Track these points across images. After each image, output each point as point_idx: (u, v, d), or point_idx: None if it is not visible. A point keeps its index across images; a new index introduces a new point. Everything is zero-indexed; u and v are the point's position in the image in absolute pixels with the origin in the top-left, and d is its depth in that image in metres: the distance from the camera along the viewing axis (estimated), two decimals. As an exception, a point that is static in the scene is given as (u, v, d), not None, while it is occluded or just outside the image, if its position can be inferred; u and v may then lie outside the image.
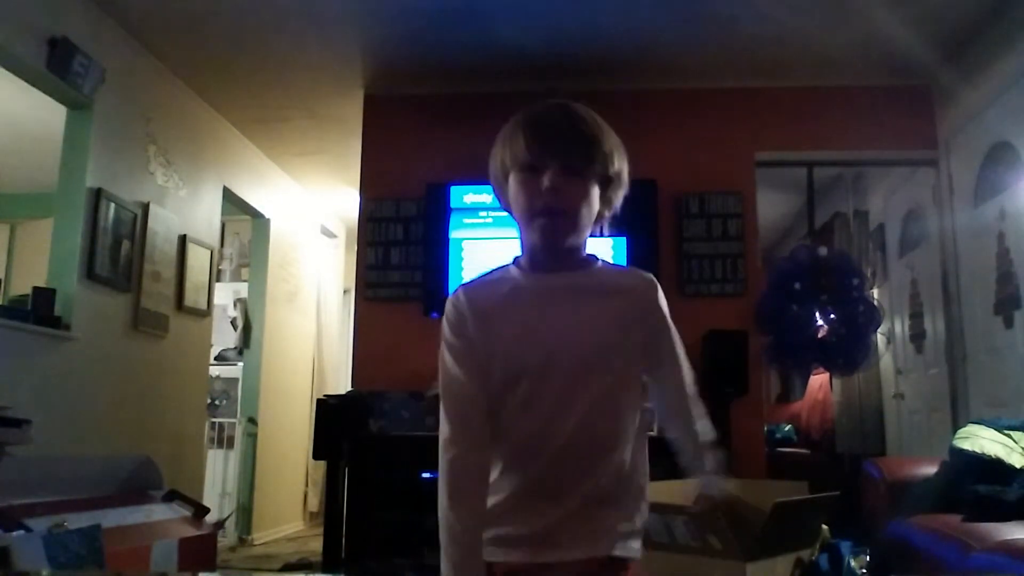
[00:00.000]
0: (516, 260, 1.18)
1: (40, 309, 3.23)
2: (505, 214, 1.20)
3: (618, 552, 1.11)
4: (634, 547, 1.14)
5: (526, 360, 1.10)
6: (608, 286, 1.16)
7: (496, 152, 1.17)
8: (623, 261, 3.91)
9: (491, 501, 1.12)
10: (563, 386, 1.09)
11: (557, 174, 1.08)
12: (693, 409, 1.25)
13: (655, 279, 1.18)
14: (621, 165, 1.16)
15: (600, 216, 1.15)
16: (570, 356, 1.10)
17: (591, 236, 1.18)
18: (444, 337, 1.15)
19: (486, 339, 1.12)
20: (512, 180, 1.13)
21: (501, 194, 1.18)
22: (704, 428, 1.25)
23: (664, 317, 1.18)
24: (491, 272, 1.20)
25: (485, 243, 3.94)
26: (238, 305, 5.55)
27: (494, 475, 1.13)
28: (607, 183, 1.14)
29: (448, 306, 1.16)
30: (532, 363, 1.10)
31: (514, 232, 1.19)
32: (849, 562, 2.31)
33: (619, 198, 1.18)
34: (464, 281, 1.21)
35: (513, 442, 1.12)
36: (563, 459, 1.09)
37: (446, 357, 1.15)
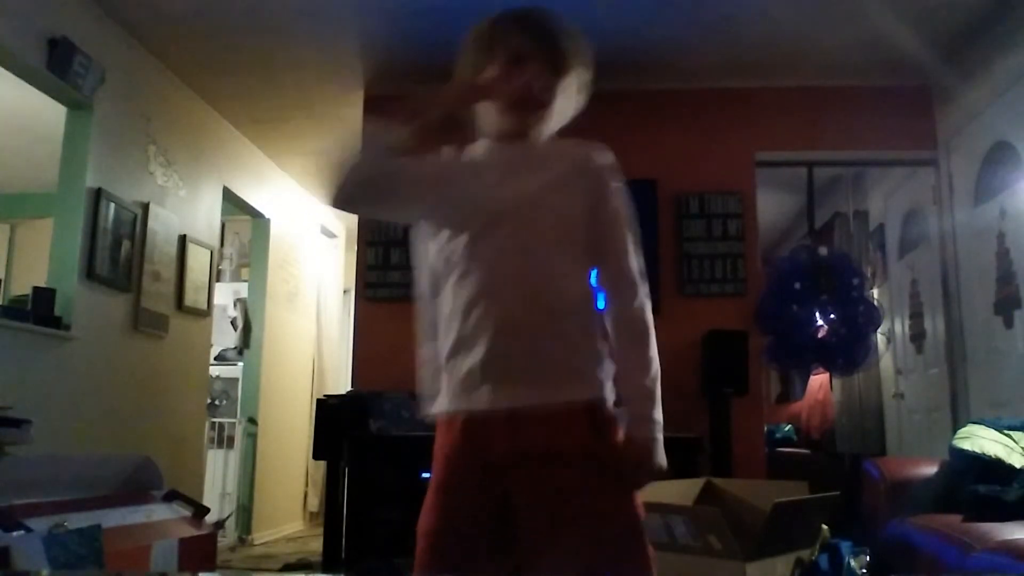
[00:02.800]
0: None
1: (40, 309, 3.23)
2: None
3: (592, 397, 1.13)
4: (607, 391, 1.15)
5: (473, 208, 1.17)
6: (557, 150, 1.22)
7: (472, 45, 1.25)
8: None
9: (443, 349, 1.19)
10: (503, 235, 1.15)
11: (542, 69, 1.17)
12: (643, 313, 1.21)
13: (610, 152, 1.23)
14: (588, 73, 1.24)
15: (566, 118, 1.23)
16: (509, 207, 1.16)
17: None
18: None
19: (446, 173, 1.21)
20: (492, 70, 1.20)
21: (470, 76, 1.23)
22: (654, 354, 1.20)
23: (608, 184, 1.21)
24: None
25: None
26: (238, 305, 5.55)
27: (444, 325, 1.20)
28: (577, 86, 1.22)
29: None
30: (478, 212, 1.16)
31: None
32: (849, 562, 2.31)
33: (582, 101, 1.25)
34: None
35: (462, 290, 1.16)
36: (506, 304, 1.13)
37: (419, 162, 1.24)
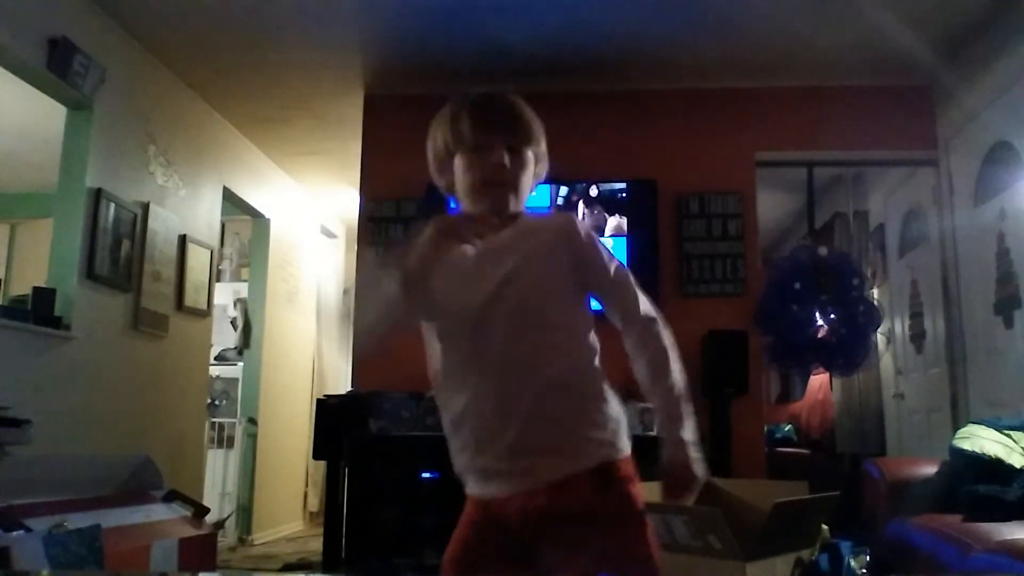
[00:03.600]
0: None
1: (40, 309, 3.23)
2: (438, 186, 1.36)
3: (600, 460, 1.18)
4: (618, 447, 1.21)
5: (458, 303, 1.23)
6: (528, 228, 1.28)
7: (437, 134, 1.31)
8: (623, 261, 3.91)
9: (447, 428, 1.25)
10: (493, 323, 1.20)
11: (502, 153, 1.24)
12: (659, 343, 1.27)
13: (573, 216, 1.32)
14: (544, 144, 1.32)
15: (530, 189, 1.31)
16: (491, 293, 1.22)
17: None
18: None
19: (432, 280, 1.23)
20: (459, 159, 1.27)
21: (441, 171, 1.33)
22: (676, 378, 1.25)
23: (588, 244, 1.27)
24: None
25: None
26: (238, 305, 5.55)
27: (452, 406, 1.24)
28: (536, 159, 1.31)
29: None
30: (463, 305, 1.23)
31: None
32: (849, 562, 2.31)
33: (543, 171, 1.34)
34: None
35: (465, 385, 1.22)
36: (502, 377, 1.19)
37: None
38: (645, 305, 1.28)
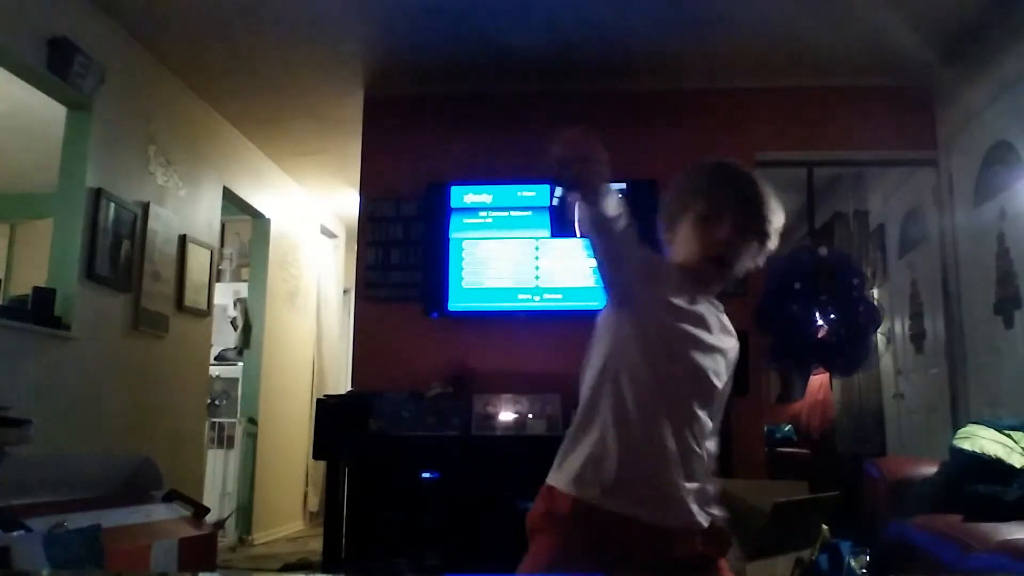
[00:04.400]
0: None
1: (40, 309, 3.23)
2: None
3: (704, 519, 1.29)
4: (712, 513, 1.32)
5: (679, 339, 1.28)
6: (727, 328, 1.37)
7: (678, 191, 1.36)
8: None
9: (612, 442, 1.27)
10: (685, 392, 1.28)
11: (732, 231, 1.28)
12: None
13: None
14: (776, 231, 1.34)
15: (748, 270, 1.36)
16: (697, 367, 1.28)
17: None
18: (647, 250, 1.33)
19: (660, 292, 1.29)
20: (688, 221, 1.32)
21: (668, 224, 1.37)
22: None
23: (736, 357, 1.40)
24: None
25: (485, 243, 3.94)
26: (238, 305, 5.55)
27: (620, 424, 1.27)
28: (761, 243, 1.33)
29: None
30: (680, 343, 1.28)
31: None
32: (849, 562, 2.31)
33: (766, 254, 1.36)
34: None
35: (654, 397, 1.27)
36: (683, 430, 1.26)
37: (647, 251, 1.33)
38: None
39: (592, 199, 1.18)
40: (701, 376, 1.29)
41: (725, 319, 1.38)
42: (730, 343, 1.37)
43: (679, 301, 1.30)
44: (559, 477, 1.30)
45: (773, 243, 1.35)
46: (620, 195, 1.25)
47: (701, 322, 1.31)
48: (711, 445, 1.34)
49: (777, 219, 1.33)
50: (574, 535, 1.26)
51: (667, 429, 1.26)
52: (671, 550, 1.27)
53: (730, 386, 1.39)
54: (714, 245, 1.29)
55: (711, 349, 1.31)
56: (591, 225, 1.21)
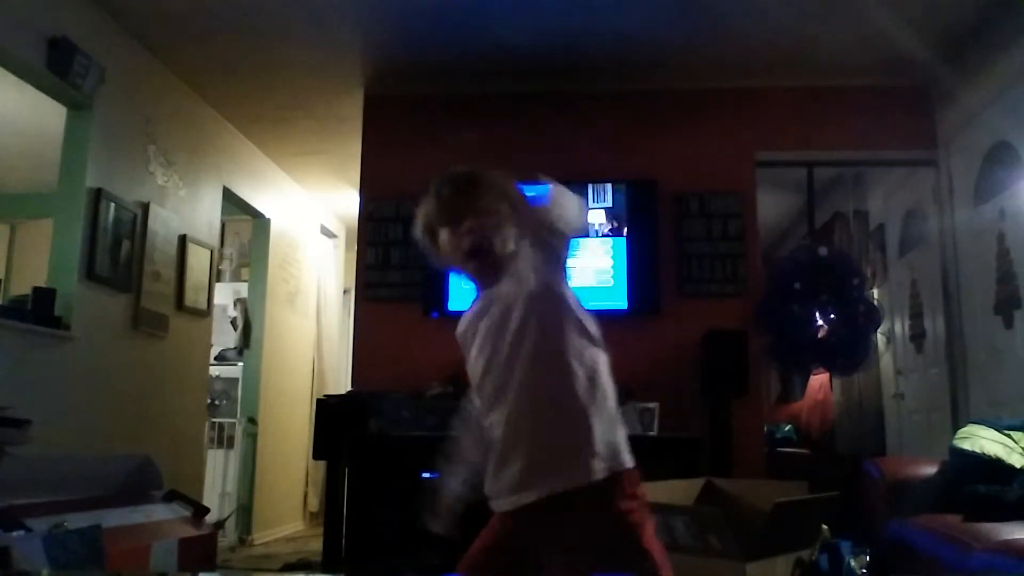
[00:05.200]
0: None
1: (40, 309, 3.23)
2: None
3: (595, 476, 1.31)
4: (605, 464, 1.33)
5: (477, 355, 1.44)
6: (504, 284, 1.43)
7: (420, 233, 1.51)
8: (623, 261, 3.91)
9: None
10: (491, 380, 1.41)
11: (448, 233, 1.42)
12: None
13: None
14: (498, 203, 1.42)
15: (502, 233, 1.42)
16: (488, 354, 1.41)
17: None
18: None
19: (463, 344, 1.51)
20: (437, 243, 1.47)
21: (442, 261, 1.50)
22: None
23: (533, 286, 1.39)
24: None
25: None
26: (238, 305, 5.55)
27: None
28: (484, 216, 1.41)
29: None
30: (479, 358, 1.43)
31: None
32: (849, 562, 2.31)
33: (508, 215, 1.42)
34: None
35: (495, 422, 1.40)
36: (514, 416, 1.36)
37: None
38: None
39: None
40: (494, 364, 1.40)
41: (516, 277, 1.41)
42: (513, 291, 1.40)
43: (471, 328, 1.47)
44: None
45: (495, 214, 1.43)
46: None
47: (484, 321, 1.44)
48: (560, 398, 1.37)
49: (473, 204, 1.42)
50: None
51: (501, 423, 1.38)
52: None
53: (546, 309, 1.39)
54: (448, 254, 1.44)
55: (496, 332, 1.40)
56: None
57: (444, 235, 1.43)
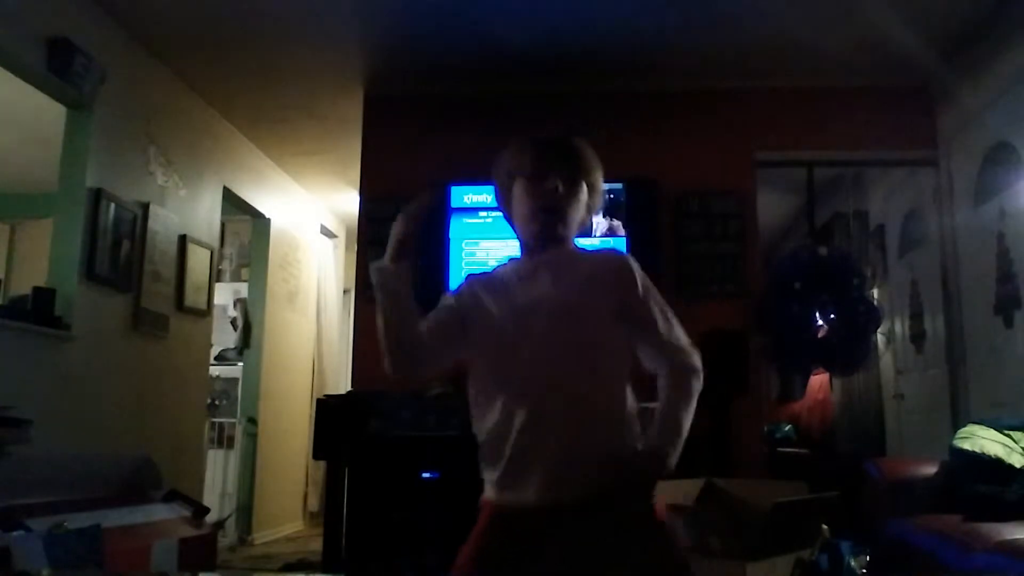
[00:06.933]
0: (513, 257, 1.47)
1: (40, 309, 3.23)
2: (502, 214, 1.47)
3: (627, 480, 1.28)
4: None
5: (507, 320, 1.35)
6: (578, 258, 1.42)
7: (502, 164, 1.45)
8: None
9: (485, 442, 1.35)
10: (537, 338, 1.32)
11: (556, 182, 1.37)
12: (682, 381, 1.43)
13: (628, 256, 1.44)
14: (599, 181, 1.46)
15: (583, 219, 1.43)
16: (542, 314, 1.33)
17: (581, 237, 1.46)
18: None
19: (475, 303, 1.39)
20: (518, 186, 1.41)
21: (504, 198, 1.46)
22: (680, 417, 1.39)
23: (635, 280, 1.39)
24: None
25: (485, 243, 3.94)
26: (238, 305, 5.56)
27: (486, 422, 1.34)
28: (590, 193, 1.44)
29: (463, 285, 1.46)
30: (511, 322, 1.34)
31: (512, 234, 1.46)
32: (849, 562, 2.31)
33: (597, 205, 1.47)
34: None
35: (504, 387, 1.33)
36: (545, 399, 1.29)
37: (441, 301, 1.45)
38: (688, 344, 1.44)
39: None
40: (543, 333, 1.32)
41: (595, 259, 1.44)
42: (588, 281, 1.37)
43: (506, 291, 1.38)
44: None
45: (597, 195, 1.46)
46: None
47: (540, 280, 1.37)
48: (604, 392, 1.34)
49: (595, 171, 1.44)
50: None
51: (522, 407, 1.29)
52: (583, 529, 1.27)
53: (639, 315, 1.38)
54: (544, 197, 1.37)
55: (554, 297, 1.35)
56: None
57: (541, 183, 1.37)
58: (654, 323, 1.39)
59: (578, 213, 1.41)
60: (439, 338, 1.39)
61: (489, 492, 1.35)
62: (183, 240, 4.25)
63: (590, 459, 1.28)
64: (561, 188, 1.37)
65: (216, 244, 4.74)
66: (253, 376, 5.28)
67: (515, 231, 1.44)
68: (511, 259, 1.47)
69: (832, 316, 3.95)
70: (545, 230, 1.38)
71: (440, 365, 1.43)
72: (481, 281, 1.43)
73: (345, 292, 6.87)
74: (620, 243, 3.95)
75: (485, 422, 1.35)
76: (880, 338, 4.75)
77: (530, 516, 1.28)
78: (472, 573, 1.29)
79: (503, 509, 1.32)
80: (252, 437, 5.18)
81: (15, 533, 2.04)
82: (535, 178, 1.38)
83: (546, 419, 1.28)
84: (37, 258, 4.33)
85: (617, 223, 4.00)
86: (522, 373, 1.31)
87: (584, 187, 1.41)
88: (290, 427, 5.76)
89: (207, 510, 3.07)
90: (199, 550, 2.78)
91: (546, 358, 1.31)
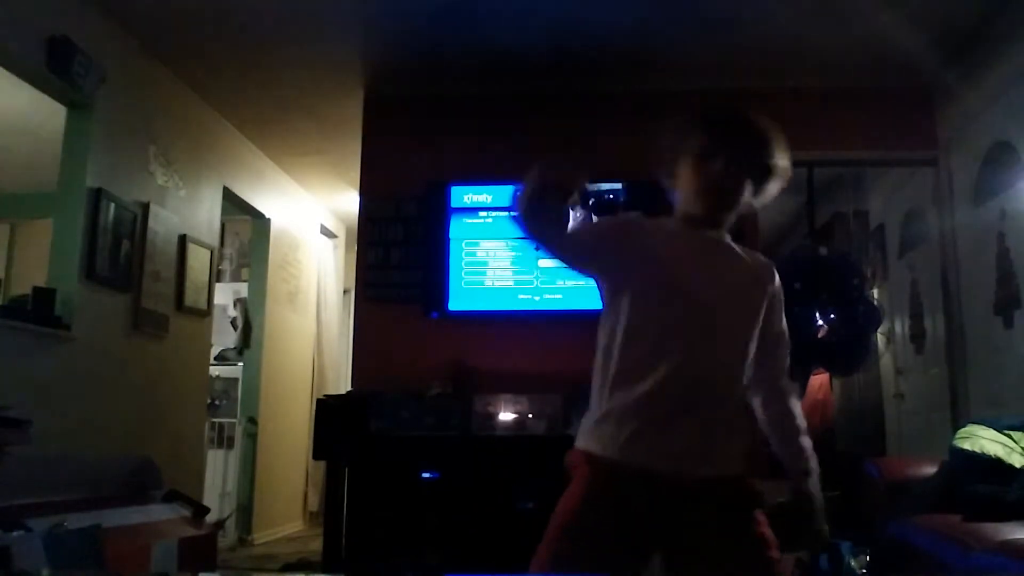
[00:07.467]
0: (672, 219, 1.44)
1: (40, 309, 3.23)
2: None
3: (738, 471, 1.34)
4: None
5: (677, 284, 1.32)
6: (737, 252, 1.41)
7: (669, 136, 1.45)
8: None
9: (619, 400, 1.31)
10: (701, 320, 1.31)
11: (728, 165, 1.33)
12: (792, 403, 1.51)
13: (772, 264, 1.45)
14: (777, 162, 1.40)
15: (748, 203, 1.41)
16: (712, 298, 1.32)
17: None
18: (604, 220, 1.48)
19: (639, 247, 1.35)
20: (686, 161, 1.38)
21: (670, 167, 1.44)
22: (803, 445, 1.48)
23: (780, 296, 1.43)
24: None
25: (485, 243, 3.94)
26: (238, 305, 5.56)
27: (634, 375, 1.30)
28: (765, 176, 1.39)
29: (620, 215, 1.47)
30: (682, 287, 1.32)
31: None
32: (849, 562, 2.31)
33: (774, 187, 1.43)
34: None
35: (667, 351, 1.29)
36: (707, 378, 1.30)
37: (602, 223, 1.47)
38: (788, 379, 1.47)
39: (529, 212, 1.30)
40: (707, 307, 1.32)
41: (752, 258, 1.42)
42: (749, 279, 1.38)
43: (673, 245, 1.36)
44: (579, 437, 1.35)
45: (775, 180, 1.41)
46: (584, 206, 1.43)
47: (712, 261, 1.36)
48: (738, 387, 1.36)
49: (777, 155, 1.38)
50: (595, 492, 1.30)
51: (676, 374, 1.28)
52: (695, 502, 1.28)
53: (771, 330, 1.40)
54: (712, 179, 1.34)
55: (731, 283, 1.35)
56: (537, 242, 1.36)
57: (707, 163, 1.34)
58: (780, 338, 1.43)
59: (742, 196, 1.38)
60: (595, 236, 1.41)
61: (600, 446, 1.31)
62: (183, 240, 4.25)
63: (729, 445, 1.34)
64: (731, 171, 1.34)
65: (216, 244, 4.74)
66: (253, 376, 5.28)
67: (672, 195, 1.43)
68: (663, 218, 1.44)
69: (832, 316, 3.95)
70: (707, 211, 1.37)
71: (588, 254, 1.42)
72: (644, 226, 1.40)
73: (345, 292, 6.87)
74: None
75: (633, 374, 1.30)
76: (880, 338, 4.75)
77: (650, 481, 1.27)
78: (574, 526, 1.26)
79: (618, 468, 1.28)
80: (252, 437, 5.18)
81: (15, 533, 2.04)
82: (704, 159, 1.35)
83: (702, 396, 1.29)
84: (37, 258, 4.33)
85: (617, 223, 4.00)
86: (692, 344, 1.30)
87: (752, 171, 1.37)
88: (290, 427, 5.76)
89: (207, 510, 3.06)
90: (199, 550, 2.78)
91: (714, 342, 1.31)
